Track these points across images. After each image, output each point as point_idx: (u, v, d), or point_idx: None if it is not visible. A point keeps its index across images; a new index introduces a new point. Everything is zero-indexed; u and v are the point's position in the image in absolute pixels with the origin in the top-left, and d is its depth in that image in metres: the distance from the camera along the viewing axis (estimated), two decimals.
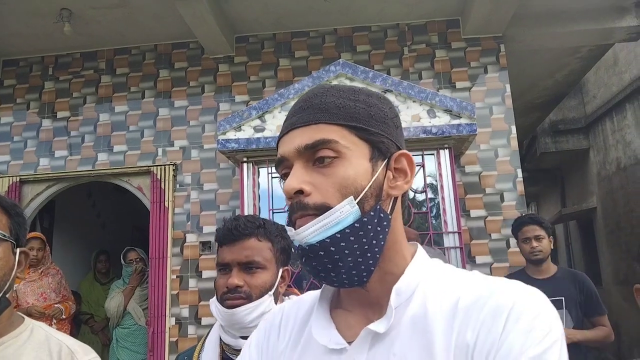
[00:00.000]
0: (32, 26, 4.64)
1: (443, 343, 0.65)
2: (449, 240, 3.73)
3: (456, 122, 3.72)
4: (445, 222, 3.74)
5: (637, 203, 6.68)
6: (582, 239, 8.97)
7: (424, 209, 3.84)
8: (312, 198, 0.70)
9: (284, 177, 0.76)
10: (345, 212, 0.68)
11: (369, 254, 0.70)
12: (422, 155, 3.83)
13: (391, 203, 0.74)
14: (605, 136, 7.60)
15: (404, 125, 3.72)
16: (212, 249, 4.43)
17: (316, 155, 0.71)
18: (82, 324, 5.00)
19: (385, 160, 0.74)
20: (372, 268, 0.71)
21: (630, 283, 6.99)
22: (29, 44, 4.95)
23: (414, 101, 3.78)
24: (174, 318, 4.36)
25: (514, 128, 4.44)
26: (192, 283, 4.41)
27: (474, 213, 4.27)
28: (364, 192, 0.70)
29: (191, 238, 4.50)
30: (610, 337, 3.03)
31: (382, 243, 0.71)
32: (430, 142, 3.79)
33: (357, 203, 0.69)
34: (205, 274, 4.41)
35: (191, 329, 4.32)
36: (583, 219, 8.63)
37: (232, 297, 1.32)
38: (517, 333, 0.62)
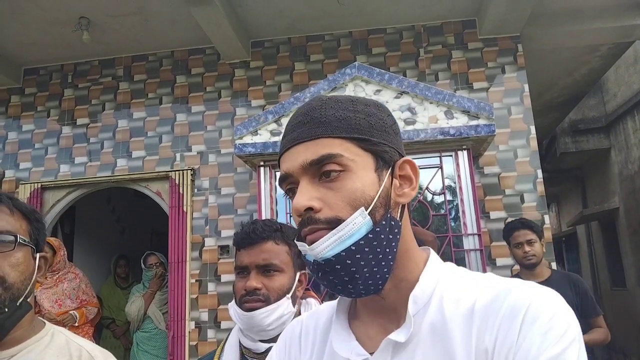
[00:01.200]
0: (51, 35, 4.72)
1: (463, 349, 0.66)
2: (469, 243, 3.69)
3: (474, 123, 3.68)
4: (465, 224, 3.70)
5: None
6: (604, 240, 8.81)
7: (442, 211, 3.81)
8: (323, 213, 0.70)
9: (288, 192, 0.76)
10: (358, 224, 0.68)
11: (383, 263, 0.70)
12: (440, 157, 3.80)
13: (400, 210, 0.75)
14: (626, 135, 7.47)
15: (421, 127, 3.70)
16: (230, 253, 4.44)
17: (322, 170, 0.71)
18: (103, 328, 5.05)
19: (390, 169, 0.74)
20: (387, 276, 0.71)
21: None
22: (49, 52, 5.03)
23: (430, 103, 3.75)
24: (193, 322, 4.38)
25: (533, 128, 4.38)
26: (211, 287, 4.43)
27: (493, 215, 4.22)
28: (373, 202, 0.70)
29: (210, 242, 4.52)
30: (608, 337, 3.03)
31: (395, 250, 0.72)
32: (448, 144, 3.75)
33: (369, 214, 0.69)
34: (224, 277, 4.43)
35: (211, 333, 4.34)
36: (605, 220, 8.48)
37: (250, 300, 1.33)
38: (534, 334, 0.62)
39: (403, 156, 0.77)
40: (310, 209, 0.70)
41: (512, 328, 0.63)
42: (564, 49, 5.24)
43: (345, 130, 0.72)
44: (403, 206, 0.76)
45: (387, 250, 0.71)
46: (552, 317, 0.63)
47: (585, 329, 3.04)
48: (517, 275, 3.20)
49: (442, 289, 0.73)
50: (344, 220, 0.69)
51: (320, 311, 0.86)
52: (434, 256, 0.78)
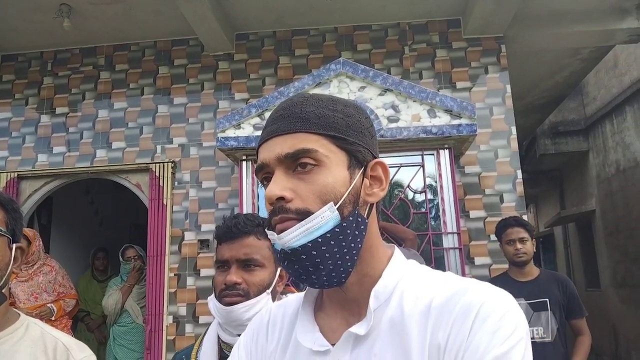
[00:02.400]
0: (31, 21, 4.62)
1: (418, 344, 0.69)
2: (448, 241, 3.72)
3: (456, 122, 3.70)
4: (445, 222, 3.73)
5: (636, 205, 6.68)
6: (580, 241, 8.97)
7: (423, 209, 3.83)
8: (294, 204, 0.73)
9: (263, 181, 0.79)
10: (326, 218, 0.71)
11: (347, 257, 0.73)
12: (422, 155, 3.82)
13: (367, 209, 0.77)
14: (605, 138, 7.60)
15: (404, 124, 3.71)
16: (210, 247, 4.41)
17: (297, 163, 0.74)
18: (78, 321, 4.98)
19: (362, 169, 0.77)
20: (350, 270, 0.74)
21: (628, 286, 7.00)
22: (28, 39, 4.92)
23: (414, 101, 3.76)
24: (171, 316, 4.35)
25: (514, 129, 4.43)
26: (190, 281, 4.40)
27: (473, 214, 4.26)
28: (342, 198, 0.73)
29: (189, 236, 4.49)
30: (590, 343, 3.08)
31: (360, 246, 0.75)
32: (430, 142, 3.77)
33: (337, 209, 0.72)
34: (204, 272, 4.40)
35: (189, 328, 4.31)
36: (582, 221, 8.63)
37: (230, 294, 1.33)
38: (483, 333, 0.65)
39: (376, 158, 0.80)
40: (282, 198, 0.73)
41: (463, 326, 0.66)
42: (547, 51, 5.31)
43: (322, 127, 0.75)
44: (371, 205, 0.78)
45: (352, 245, 0.73)
46: (502, 317, 0.66)
47: (569, 330, 3.09)
48: (506, 274, 3.23)
49: (403, 285, 0.76)
50: (312, 213, 0.72)
51: (289, 302, 0.89)
52: (397, 254, 0.81)
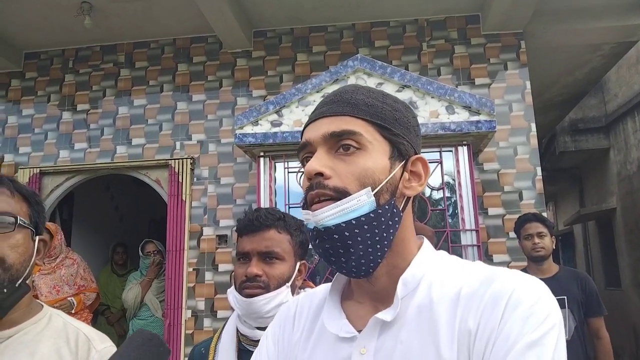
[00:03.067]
0: (53, 19, 4.70)
1: (447, 330, 0.69)
2: (466, 238, 3.70)
3: (475, 118, 3.68)
4: (463, 219, 3.71)
5: None
6: (600, 239, 8.83)
7: (441, 206, 3.81)
8: (332, 181, 0.73)
9: (304, 161, 0.79)
10: (362, 201, 0.72)
11: (378, 246, 0.73)
12: (440, 152, 3.80)
13: (404, 202, 0.78)
14: (626, 135, 7.47)
15: (422, 121, 3.70)
16: (228, 243, 4.45)
17: (340, 144, 0.75)
18: (99, 314, 5.06)
19: (403, 162, 0.78)
20: (379, 260, 0.74)
21: None
22: (50, 37, 5.01)
23: (432, 97, 3.75)
24: (190, 310, 4.39)
25: (534, 125, 4.39)
26: (209, 276, 4.44)
27: (492, 211, 4.23)
28: (380, 185, 0.73)
29: (208, 231, 4.53)
30: (611, 350, 3.05)
31: (392, 238, 0.75)
32: (448, 139, 3.76)
33: (374, 195, 0.73)
34: (222, 267, 4.44)
35: (207, 322, 4.35)
36: (602, 220, 8.50)
37: (250, 286, 1.34)
38: (515, 320, 0.64)
39: (418, 154, 0.81)
40: (320, 174, 0.74)
41: (494, 313, 0.66)
42: (567, 47, 5.23)
43: (370, 115, 0.77)
44: (408, 199, 0.79)
45: (385, 234, 0.73)
46: (534, 304, 0.65)
47: (587, 329, 3.06)
48: (524, 271, 3.19)
49: (432, 274, 0.76)
50: (350, 193, 0.72)
51: (317, 292, 0.90)
52: (427, 244, 0.81)
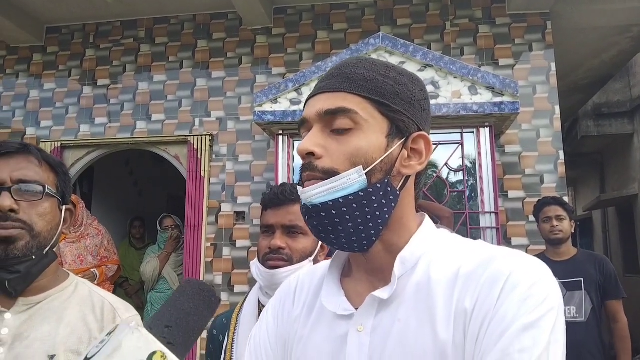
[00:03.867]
0: None
1: (444, 309, 0.68)
2: (485, 221, 3.68)
3: (498, 99, 3.62)
4: (483, 202, 3.68)
5: None
6: (620, 226, 8.72)
7: (460, 188, 3.78)
8: (322, 162, 0.73)
9: (303, 137, 0.79)
10: (352, 180, 0.71)
11: (370, 224, 0.72)
12: (461, 133, 3.76)
13: (402, 181, 0.76)
14: None
15: (443, 101, 3.65)
16: (245, 219, 4.48)
17: (334, 122, 0.74)
18: (117, 286, 5.15)
19: (403, 139, 0.76)
20: (374, 238, 0.74)
21: None
22: (71, 11, 5.01)
23: (455, 77, 3.69)
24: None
25: (557, 108, 4.30)
26: (226, 251, 4.49)
27: (512, 194, 4.19)
28: (374, 164, 0.72)
29: (226, 208, 4.56)
30: (628, 335, 3.03)
31: (387, 216, 0.74)
32: (470, 120, 3.71)
33: (366, 174, 0.72)
34: (239, 243, 4.48)
35: (224, 296, 4.41)
36: (623, 206, 8.37)
37: (274, 258, 1.37)
38: (511, 301, 0.63)
39: (422, 131, 0.78)
40: (312, 154, 0.74)
41: (491, 294, 0.65)
42: (594, 28, 5.09)
43: (367, 91, 0.74)
44: (407, 178, 0.77)
45: (377, 213, 0.72)
46: (532, 285, 0.64)
47: (603, 311, 3.04)
48: (542, 254, 3.18)
49: (432, 253, 0.75)
50: (339, 173, 0.72)
51: (318, 268, 0.89)
52: (427, 222, 0.80)
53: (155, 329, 0.68)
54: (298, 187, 0.76)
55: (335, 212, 0.71)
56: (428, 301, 0.70)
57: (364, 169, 0.71)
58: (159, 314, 0.72)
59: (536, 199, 4.09)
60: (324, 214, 0.72)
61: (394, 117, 0.75)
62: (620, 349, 3.00)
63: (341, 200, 0.71)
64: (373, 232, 0.73)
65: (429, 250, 0.75)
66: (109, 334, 0.65)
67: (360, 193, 0.71)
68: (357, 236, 0.73)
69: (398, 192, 0.75)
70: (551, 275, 0.67)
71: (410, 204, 0.79)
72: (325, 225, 0.73)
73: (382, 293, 0.72)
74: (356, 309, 0.75)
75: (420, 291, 0.71)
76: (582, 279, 2.95)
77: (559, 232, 3.05)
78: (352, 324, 0.74)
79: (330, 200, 0.71)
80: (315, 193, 0.72)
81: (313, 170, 0.73)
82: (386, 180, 0.73)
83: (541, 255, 3.17)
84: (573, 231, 3.12)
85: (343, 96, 0.74)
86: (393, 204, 0.74)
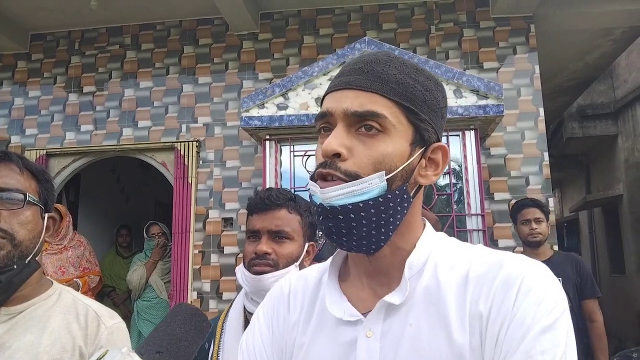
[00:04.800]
0: (59, 0, 4.67)
1: (457, 312, 0.69)
2: (472, 223, 3.70)
3: (483, 102, 3.65)
4: (469, 204, 3.70)
5: None
6: (606, 226, 8.81)
7: (447, 191, 3.80)
8: (346, 164, 0.71)
9: (321, 130, 0.77)
10: (373, 185, 0.70)
11: (383, 229, 0.72)
12: (447, 136, 3.78)
13: (416, 189, 0.76)
14: (635, 122, 7.41)
15: None
16: (233, 225, 4.47)
17: (362, 123, 0.72)
18: (104, 296, 5.10)
19: (423, 148, 0.75)
20: (383, 243, 0.73)
21: None
22: (56, 18, 4.98)
23: (440, 80, 3.71)
24: (195, 292, 4.43)
25: (542, 110, 4.35)
26: (214, 258, 4.47)
27: (498, 196, 4.22)
28: (396, 171, 0.71)
29: (214, 214, 4.54)
30: (604, 331, 3.07)
31: (398, 222, 0.73)
32: (455, 123, 3.73)
33: (387, 180, 0.71)
34: (227, 249, 4.46)
35: (212, 304, 4.39)
36: (608, 207, 8.47)
37: (259, 264, 1.36)
38: (528, 304, 0.65)
39: (440, 141, 0.77)
40: (337, 155, 0.71)
41: (507, 297, 0.66)
42: (577, 31, 5.15)
43: (399, 95, 0.72)
44: (420, 186, 0.77)
45: (391, 219, 0.72)
46: (545, 289, 0.67)
47: (581, 311, 3.08)
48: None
49: (436, 256, 0.75)
50: (362, 177, 0.70)
51: (309, 273, 0.88)
52: (429, 227, 0.80)
53: (146, 354, 0.67)
54: (312, 183, 0.74)
55: (353, 216, 0.70)
56: (439, 305, 0.70)
57: (386, 175, 0.71)
58: (150, 339, 0.71)
59: None
60: (341, 217, 0.70)
61: (420, 125, 0.73)
62: (597, 347, 3.05)
63: (361, 205, 0.70)
64: (384, 237, 0.73)
65: (434, 253, 0.76)
66: (100, 358, 0.64)
67: (379, 199, 0.70)
68: (368, 240, 0.72)
69: (412, 199, 0.75)
70: (556, 279, 0.70)
71: (419, 210, 0.79)
72: (340, 227, 0.71)
73: (393, 298, 0.72)
74: (362, 314, 0.74)
75: (429, 295, 0.71)
76: (560, 279, 2.98)
77: (538, 235, 3.08)
78: (360, 330, 0.73)
79: (350, 204, 0.69)
80: (336, 195, 0.70)
81: (335, 170, 0.71)
82: (404, 187, 0.73)
83: None
84: (549, 232, 3.18)
85: (374, 97, 0.72)
86: (406, 211, 0.74)
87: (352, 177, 0.70)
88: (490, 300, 0.67)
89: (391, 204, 0.71)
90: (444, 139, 3.65)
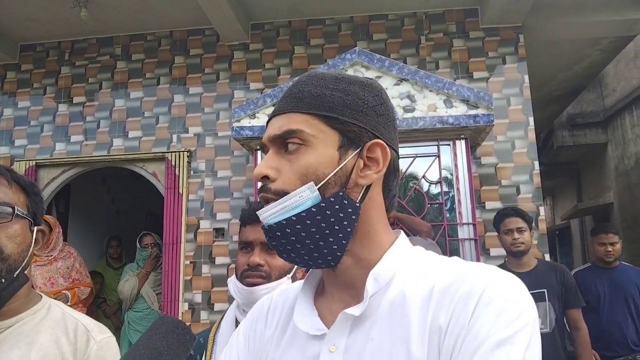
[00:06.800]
0: (49, 11, 4.66)
1: (418, 326, 0.66)
2: (464, 232, 3.70)
3: (473, 112, 3.67)
4: (460, 213, 3.71)
5: None
6: None
7: (438, 200, 3.81)
8: (275, 184, 0.73)
9: None
10: (304, 197, 0.71)
11: (331, 239, 0.71)
12: (437, 145, 3.80)
13: (362, 192, 0.74)
14: (624, 130, 7.48)
15: (420, 114, 3.69)
16: (225, 236, 4.45)
17: (285, 143, 0.74)
18: (96, 308, 5.05)
19: (358, 149, 0.74)
20: (339, 253, 0.72)
21: None
22: (46, 29, 4.97)
23: (430, 90, 3.74)
24: (187, 303, 4.39)
25: (531, 120, 4.38)
26: (205, 269, 4.44)
27: (489, 205, 4.23)
28: (326, 179, 0.71)
29: (205, 224, 4.52)
30: (589, 341, 3.10)
31: (349, 230, 0.72)
32: (446, 133, 3.75)
33: (319, 189, 0.71)
34: (219, 260, 4.43)
35: (204, 315, 4.35)
36: (599, 214, 8.52)
37: (252, 275, 1.35)
38: (486, 317, 0.62)
39: (379, 138, 0.75)
40: (266, 177, 0.74)
41: (465, 310, 0.64)
42: (566, 41, 5.22)
43: (314, 107, 0.74)
44: (368, 188, 0.74)
45: (336, 227, 0.71)
46: (507, 300, 0.63)
47: (564, 319, 3.11)
48: (503, 265, 3.22)
49: (406, 270, 0.73)
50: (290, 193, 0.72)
51: (292, 288, 0.88)
52: (402, 239, 0.78)
53: None
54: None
55: (289, 231, 0.71)
56: (402, 319, 0.68)
57: (316, 185, 0.71)
58: (130, 354, 0.70)
59: None
60: (279, 234, 0.72)
61: (343, 128, 0.73)
62: (582, 355, 3.06)
63: (294, 218, 0.70)
64: (336, 246, 0.72)
65: (404, 268, 0.74)
66: None
67: (312, 209, 0.70)
68: (319, 252, 0.72)
69: (358, 204, 0.73)
70: (526, 290, 0.66)
71: (378, 216, 0.77)
72: (283, 244, 0.73)
73: (354, 310, 0.70)
74: (329, 328, 0.73)
75: (394, 309, 0.70)
76: (545, 290, 2.99)
77: (521, 245, 3.07)
78: (324, 344, 0.72)
79: (283, 220, 0.71)
80: (270, 214, 0.72)
81: (267, 192, 0.73)
82: (341, 194, 0.71)
83: (502, 267, 3.20)
84: (533, 240, 3.21)
85: (290, 117, 0.74)
86: (354, 217, 0.72)
87: (281, 194, 0.72)
88: (450, 313, 0.65)
89: (329, 212, 0.71)
90: (434, 148, 3.69)
